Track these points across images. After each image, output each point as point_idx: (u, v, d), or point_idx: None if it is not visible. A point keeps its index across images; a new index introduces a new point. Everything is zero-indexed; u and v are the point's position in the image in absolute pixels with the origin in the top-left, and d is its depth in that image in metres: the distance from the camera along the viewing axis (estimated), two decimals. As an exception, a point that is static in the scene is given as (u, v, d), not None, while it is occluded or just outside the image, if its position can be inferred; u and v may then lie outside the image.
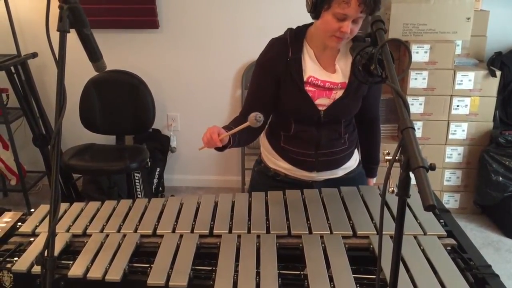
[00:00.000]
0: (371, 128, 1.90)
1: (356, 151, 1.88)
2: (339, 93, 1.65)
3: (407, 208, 1.35)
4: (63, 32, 1.10)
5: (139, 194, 3.32)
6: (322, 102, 1.65)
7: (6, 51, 3.24)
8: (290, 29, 1.69)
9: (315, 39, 1.64)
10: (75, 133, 3.42)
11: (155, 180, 3.60)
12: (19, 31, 3.32)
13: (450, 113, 3.16)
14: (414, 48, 3.04)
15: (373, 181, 1.99)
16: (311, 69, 1.63)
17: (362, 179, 1.93)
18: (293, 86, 1.63)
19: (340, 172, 1.81)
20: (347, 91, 1.64)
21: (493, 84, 3.10)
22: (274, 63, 1.65)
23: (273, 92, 1.68)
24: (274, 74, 1.65)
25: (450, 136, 3.20)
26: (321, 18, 1.51)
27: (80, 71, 2.87)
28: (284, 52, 1.63)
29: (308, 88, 1.63)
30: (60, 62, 1.08)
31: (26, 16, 3.43)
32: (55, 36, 1.06)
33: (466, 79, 3.09)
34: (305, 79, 1.63)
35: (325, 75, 1.64)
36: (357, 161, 1.89)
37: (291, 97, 1.65)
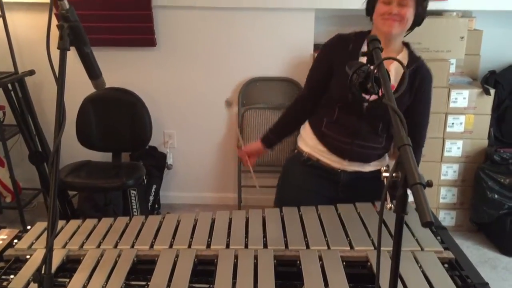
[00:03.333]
0: (412, 133, 1.91)
1: (387, 156, 1.96)
2: None
3: (404, 225, 1.36)
4: (63, 50, 1.11)
5: (134, 212, 3.30)
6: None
7: (3, 69, 3.24)
8: (355, 31, 1.87)
9: None
10: (71, 150, 3.41)
11: (151, 197, 3.58)
12: (16, 48, 3.33)
13: (445, 130, 3.18)
14: (409, 66, 3.07)
15: None
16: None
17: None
18: (346, 74, 1.71)
19: (367, 167, 1.89)
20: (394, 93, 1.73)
21: (487, 102, 3.13)
22: (333, 52, 1.85)
23: (326, 75, 1.85)
24: (330, 61, 1.84)
25: (446, 154, 3.22)
26: (375, 11, 1.74)
27: (77, 89, 2.88)
28: (345, 45, 1.82)
29: None
30: (60, 79, 1.09)
31: (24, 33, 3.44)
32: (53, 53, 1.07)
33: (461, 97, 3.11)
34: None
35: None
36: (385, 165, 1.91)
37: (341, 83, 1.77)
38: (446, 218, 3.36)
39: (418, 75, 1.80)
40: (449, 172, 3.26)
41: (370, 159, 1.89)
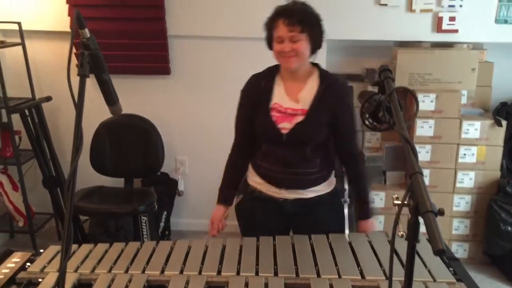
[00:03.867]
0: (352, 163, 1.97)
1: (332, 177, 1.97)
2: (299, 119, 1.82)
3: (416, 255, 1.35)
4: (83, 76, 1.15)
5: (145, 238, 3.30)
6: (285, 126, 1.83)
7: (21, 94, 3.31)
8: (268, 67, 1.94)
9: (283, 73, 1.88)
10: (84, 175, 3.44)
11: (162, 224, 3.58)
12: (34, 75, 3.41)
13: (457, 161, 3.17)
14: (420, 97, 3.08)
15: (367, 224, 1.94)
16: (278, 97, 1.86)
17: (336, 205, 2.04)
18: (262, 111, 1.86)
19: (309, 193, 1.90)
20: (306, 117, 1.81)
21: (499, 133, 3.12)
22: (249, 94, 1.93)
23: (249, 118, 1.92)
24: (249, 103, 1.92)
25: (458, 185, 3.20)
26: (273, 49, 1.81)
27: (92, 115, 2.93)
28: (259, 83, 1.90)
29: (273, 113, 1.84)
30: (79, 105, 1.12)
31: (42, 61, 3.53)
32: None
33: (472, 128, 3.11)
34: (271, 105, 1.85)
35: (288, 103, 1.84)
36: (332, 187, 1.96)
37: (260, 121, 1.87)
38: (459, 250, 3.31)
39: (332, 91, 1.83)
40: (462, 203, 3.23)
41: (306, 185, 1.88)
